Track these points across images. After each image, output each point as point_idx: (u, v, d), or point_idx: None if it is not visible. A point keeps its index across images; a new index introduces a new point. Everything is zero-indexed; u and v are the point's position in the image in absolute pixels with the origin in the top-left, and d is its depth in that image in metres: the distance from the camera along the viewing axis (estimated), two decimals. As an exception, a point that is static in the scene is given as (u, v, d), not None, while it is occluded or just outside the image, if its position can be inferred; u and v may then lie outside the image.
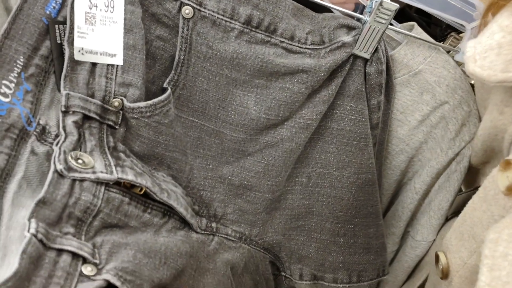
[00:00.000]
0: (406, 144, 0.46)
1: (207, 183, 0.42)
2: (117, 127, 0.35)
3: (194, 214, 0.40)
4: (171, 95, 0.38)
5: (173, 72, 0.39)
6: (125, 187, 0.34)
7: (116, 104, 0.35)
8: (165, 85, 0.39)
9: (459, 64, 0.43)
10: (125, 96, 0.35)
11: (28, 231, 0.27)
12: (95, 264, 0.30)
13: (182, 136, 0.40)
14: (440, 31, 0.44)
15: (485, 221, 0.34)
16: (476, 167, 0.46)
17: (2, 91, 0.30)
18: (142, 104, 0.35)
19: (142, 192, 0.35)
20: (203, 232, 0.41)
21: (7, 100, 0.30)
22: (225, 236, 0.42)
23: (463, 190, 0.51)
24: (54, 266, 0.28)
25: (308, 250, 0.45)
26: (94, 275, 0.29)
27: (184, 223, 0.39)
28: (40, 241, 0.28)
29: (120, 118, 0.35)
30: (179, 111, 0.40)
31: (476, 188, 0.39)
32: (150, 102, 0.36)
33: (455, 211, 0.48)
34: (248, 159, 0.42)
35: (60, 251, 0.29)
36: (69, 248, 0.29)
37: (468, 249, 0.36)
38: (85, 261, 0.30)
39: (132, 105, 0.35)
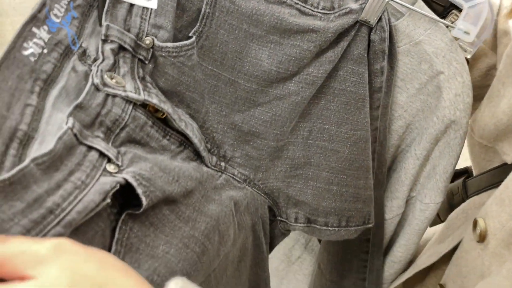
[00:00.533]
0: (405, 110, 0.50)
1: (220, 127, 0.47)
2: (146, 62, 0.41)
3: (206, 150, 0.46)
4: (195, 43, 0.43)
5: (198, 23, 0.44)
6: (149, 112, 0.40)
7: (147, 42, 0.40)
8: (190, 34, 0.44)
9: (456, 39, 0.47)
10: (156, 36, 0.40)
11: (66, 124, 0.32)
12: (118, 165, 0.35)
13: (201, 81, 0.45)
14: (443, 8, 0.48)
15: None
16: (487, 143, 0.49)
17: (54, 12, 0.35)
18: (169, 44, 0.41)
19: (163, 117, 0.40)
20: (212, 167, 0.46)
21: (58, 20, 0.36)
22: (232, 176, 0.48)
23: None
24: (83, 157, 0.33)
25: (304, 196, 0.50)
26: (115, 173, 0.34)
27: (197, 156, 0.45)
28: (75, 135, 0.33)
29: (150, 55, 0.41)
30: (201, 60, 0.45)
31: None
32: (176, 44, 0.41)
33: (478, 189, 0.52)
34: (257, 108, 0.47)
35: (90, 148, 0.34)
36: (98, 147, 0.34)
37: (508, 213, 0.40)
38: (109, 161, 0.35)
39: (161, 44, 0.40)
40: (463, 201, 0.55)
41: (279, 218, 0.51)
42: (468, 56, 0.48)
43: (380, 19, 0.45)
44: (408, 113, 0.50)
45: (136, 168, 0.36)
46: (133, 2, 0.39)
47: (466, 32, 0.46)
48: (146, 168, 0.36)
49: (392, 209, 0.55)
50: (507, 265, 0.37)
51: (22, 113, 0.33)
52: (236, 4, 0.43)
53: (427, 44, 0.47)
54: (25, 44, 0.34)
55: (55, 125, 0.34)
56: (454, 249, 0.50)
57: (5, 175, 0.28)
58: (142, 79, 0.40)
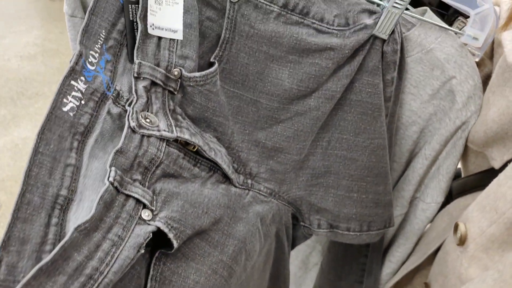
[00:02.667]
0: (418, 116, 0.52)
1: (244, 145, 0.49)
2: (175, 93, 0.42)
3: (234, 171, 0.47)
4: (218, 69, 0.45)
5: (218, 48, 0.45)
6: (181, 144, 0.41)
7: (175, 73, 0.42)
8: (212, 59, 0.45)
9: (465, 44, 0.49)
10: (183, 67, 0.42)
11: (108, 179, 0.33)
12: (152, 211, 0.36)
13: (225, 104, 0.46)
14: (447, 17, 0.50)
15: (509, 196, 0.39)
16: (477, 148, 0.51)
17: (90, 60, 0.37)
18: (197, 74, 0.42)
19: (195, 150, 0.42)
20: (240, 187, 0.48)
21: (93, 68, 0.37)
22: (258, 192, 0.49)
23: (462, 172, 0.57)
24: (121, 209, 0.34)
25: (325, 203, 0.51)
26: (149, 220, 0.35)
27: (226, 178, 0.46)
28: (115, 187, 0.34)
29: (178, 85, 0.42)
30: (222, 83, 0.47)
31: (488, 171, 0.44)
32: (203, 72, 0.42)
33: (458, 191, 0.54)
34: (280, 125, 0.49)
35: (128, 196, 0.35)
36: (135, 195, 0.35)
37: (489, 219, 0.41)
38: (144, 206, 0.36)
39: (189, 74, 0.42)
40: (448, 202, 0.56)
41: (302, 224, 0.53)
42: (477, 60, 0.50)
43: (393, 32, 0.46)
44: (422, 118, 0.52)
45: (168, 211, 0.37)
46: (161, 35, 0.40)
47: (474, 38, 0.48)
48: (177, 208, 0.38)
49: (396, 209, 0.57)
50: (491, 273, 0.37)
51: (62, 177, 0.34)
52: (256, 28, 0.45)
53: (439, 51, 0.48)
54: (64, 100, 0.34)
55: (91, 176, 0.35)
56: (439, 249, 0.52)
57: (48, 257, 0.29)
58: (173, 112, 0.42)
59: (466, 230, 0.44)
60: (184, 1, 0.41)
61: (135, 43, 0.40)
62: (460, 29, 0.49)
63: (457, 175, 0.58)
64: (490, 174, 0.49)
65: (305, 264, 0.72)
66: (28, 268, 0.30)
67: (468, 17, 0.50)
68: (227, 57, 0.46)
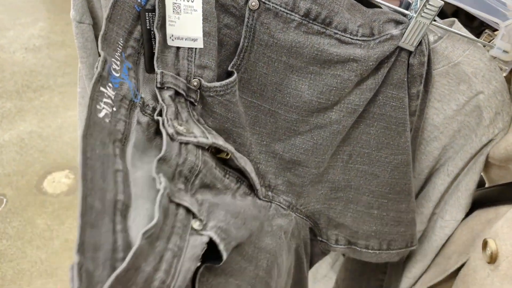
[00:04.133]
0: (441, 132, 0.50)
1: (262, 157, 0.47)
2: (196, 103, 0.40)
3: (258, 183, 0.46)
4: (237, 79, 0.43)
5: (236, 57, 0.43)
6: (212, 153, 0.39)
7: (195, 83, 0.40)
8: (229, 68, 0.43)
9: (494, 58, 0.47)
10: (201, 77, 0.40)
11: (160, 184, 0.31)
12: (201, 220, 0.34)
13: (243, 114, 0.45)
14: (471, 30, 0.48)
15: None
16: (498, 163, 0.49)
17: (113, 67, 0.34)
18: (217, 84, 0.40)
19: (228, 157, 0.40)
20: (264, 199, 0.46)
21: (118, 75, 0.35)
22: (279, 204, 0.48)
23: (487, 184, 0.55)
24: (175, 217, 0.32)
25: (344, 218, 0.50)
26: (200, 230, 0.34)
27: (251, 190, 0.44)
28: (167, 194, 0.32)
29: (198, 96, 0.40)
30: (240, 92, 0.45)
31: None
32: (223, 82, 0.40)
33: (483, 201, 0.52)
34: (298, 137, 0.47)
35: (178, 205, 0.33)
36: (185, 203, 0.33)
37: None
38: (194, 216, 0.34)
39: (209, 84, 0.40)
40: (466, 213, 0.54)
41: (320, 239, 0.52)
42: (504, 75, 0.48)
43: (420, 43, 0.44)
44: (444, 134, 0.50)
45: (215, 221, 0.35)
46: (181, 45, 0.38)
47: (504, 51, 0.46)
48: (222, 218, 0.36)
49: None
50: None
51: (115, 181, 0.31)
52: (275, 38, 0.42)
53: (466, 65, 0.46)
54: (98, 106, 0.32)
55: (139, 186, 0.33)
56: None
57: (123, 265, 0.27)
58: (198, 122, 0.40)
59: (496, 248, 0.42)
60: (202, 9, 0.39)
61: (152, 52, 0.39)
62: (488, 42, 0.47)
63: (480, 184, 0.56)
64: None
65: (313, 275, 0.71)
66: (104, 278, 0.27)
67: (495, 30, 0.47)
68: (245, 66, 0.44)
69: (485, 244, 0.44)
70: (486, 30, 0.48)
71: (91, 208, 0.28)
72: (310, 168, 0.48)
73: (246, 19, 0.42)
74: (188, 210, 0.34)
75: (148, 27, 0.38)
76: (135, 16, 0.37)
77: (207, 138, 0.37)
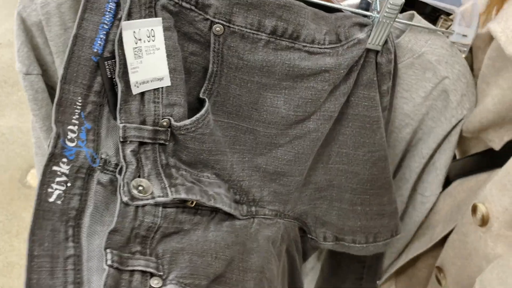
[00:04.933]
0: (411, 119, 0.51)
1: (245, 173, 0.46)
2: (167, 143, 0.39)
3: (236, 206, 0.46)
4: (209, 106, 0.41)
5: (206, 82, 0.41)
6: (179, 201, 0.39)
7: (164, 124, 0.38)
8: (201, 95, 0.41)
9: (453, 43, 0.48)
10: (171, 115, 0.38)
11: (106, 263, 0.32)
12: (160, 276, 0.35)
13: (220, 138, 0.43)
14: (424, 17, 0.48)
15: None
16: (471, 135, 0.51)
17: (68, 137, 0.33)
18: (187, 121, 0.38)
19: (193, 205, 0.40)
20: (244, 218, 0.46)
21: (73, 144, 0.34)
22: (263, 217, 0.48)
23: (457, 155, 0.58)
24: (130, 285, 0.33)
25: (330, 216, 0.51)
26: (161, 287, 0.35)
27: (228, 215, 0.44)
28: (116, 268, 0.33)
29: (169, 135, 0.38)
30: (215, 115, 0.43)
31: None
32: (193, 118, 0.39)
33: (458, 173, 0.54)
34: (279, 149, 0.46)
35: (132, 272, 0.34)
36: (139, 268, 0.34)
37: (511, 197, 0.41)
38: (152, 275, 0.35)
39: (179, 124, 0.38)
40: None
41: (309, 236, 0.53)
42: (464, 56, 0.49)
43: (386, 42, 0.44)
44: (414, 120, 0.51)
45: (177, 271, 0.36)
46: (147, 89, 0.36)
47: (463, 35, 0.47)
48: (186, 264, 0.37)
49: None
50: None
51: (65, 272, 0.33)
52: (244, 59, 0.41)
53: (430, 54, 0.47)
54: (49, 190, 0.33)
55: (94, 258, 0.34)
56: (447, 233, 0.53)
57: None
58: (166, 166, 0.39)
59: (487, 210, 0.44)
60: (165, 45, 0.36)
61: (116, 98, 0.36)
62: (446, 28, 0.48)
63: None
64: (489, 155, 0.50)
65: (302, 269, 0.73)
66: None
67: (450, 14, 0.48)
68: (217, 89, 0.42)
69: (474, 208, 0.45)
70: (442, 16, 0.49)
71: None
72: (295, 177, 0.48)
73: (212, 45, 0.40)
74: (144, 272, 0.35)
75: (109, 76, 0.35)
76: (93, 69, 0.34)
77: (167, 195, 0.37)
